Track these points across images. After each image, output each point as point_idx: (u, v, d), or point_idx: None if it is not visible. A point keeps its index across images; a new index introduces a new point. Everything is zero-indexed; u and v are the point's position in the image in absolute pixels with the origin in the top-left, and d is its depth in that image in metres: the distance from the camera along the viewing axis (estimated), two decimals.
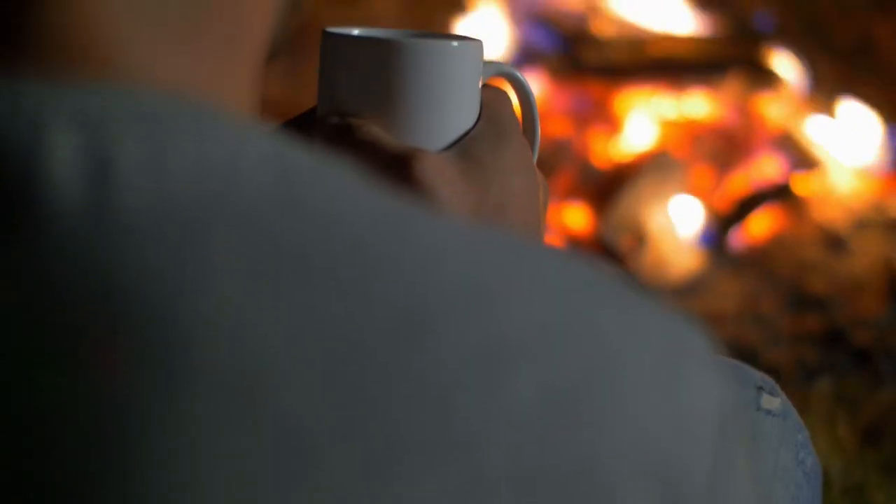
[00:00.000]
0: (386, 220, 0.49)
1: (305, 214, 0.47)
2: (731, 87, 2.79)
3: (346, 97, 0.82)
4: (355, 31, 0.87)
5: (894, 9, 3.43)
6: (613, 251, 2.42)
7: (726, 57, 2.83)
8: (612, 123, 2.70)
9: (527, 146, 0.83)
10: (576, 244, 2.46)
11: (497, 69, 0.87)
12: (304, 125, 0.86)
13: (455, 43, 0.83)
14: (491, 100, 0.84)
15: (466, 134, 0.82)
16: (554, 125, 2.70)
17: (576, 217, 2.49)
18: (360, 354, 0.47)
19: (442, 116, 0.82)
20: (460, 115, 0.83)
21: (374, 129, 0.80)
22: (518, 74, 0.89)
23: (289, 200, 0.47)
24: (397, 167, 0.78)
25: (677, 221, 2.49)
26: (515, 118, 0.84)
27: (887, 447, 2.01)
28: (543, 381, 0.48)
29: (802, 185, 2.62)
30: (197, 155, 0.47)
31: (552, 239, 2.45)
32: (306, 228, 0.47)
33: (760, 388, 1.02)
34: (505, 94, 0.85)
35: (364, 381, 0.46)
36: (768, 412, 1.01)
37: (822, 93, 2.86)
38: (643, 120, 2.70)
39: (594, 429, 0.49)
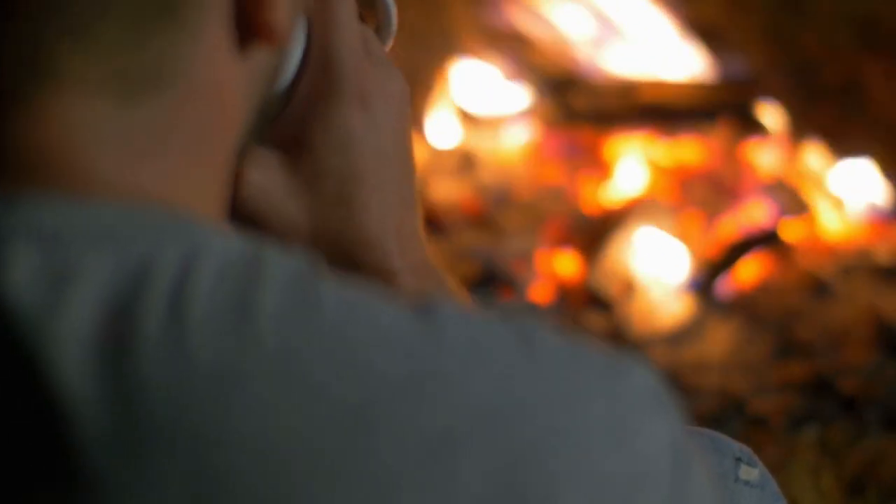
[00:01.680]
0: (332, 318, 0.50)
1: (251, 315, 0.48)
2: (721, 132, 2.81)
3: None
4: None
5: (882, 48, 3.44)
6: (602, 299, 2.43)
7: (716, 103, 2.85)
8: (602, 169, 2.72)
9: (364, 76, 0.70)
10: (566, 291, 2.47)
11: None
12: None
13: None
14: (317, 23, 0.70)
15: (297, 77, 0.70)
16: (545, 171, 2.72)
17: (566, 264, 2.51)
18: (307, 455, 0.47)
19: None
20: (288, 63, 0.68)
21: None
22: None
23: (235, 310, 0.48)
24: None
25: (666, 269, 2.50)
26: (349, 38, 0.70)
27: (871, 498, 2.02)
28: (490, 462, 0.49)
29: (790, 230, 2.64)
30: (150, 263, 0.48)
31: (544, 286, 2.46)
32: (251, 331, 0.48)
33: (738, 460, 1.04)
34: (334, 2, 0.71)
35: (311, 484, 0.47)
36: (746, 483, 1.02)
37: (811, 137, 2.88)
38: (633, 166, 2.72)
39: (552, 490, 0.50)
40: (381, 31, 0.75)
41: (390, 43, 0.75)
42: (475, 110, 2.83)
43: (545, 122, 2.79)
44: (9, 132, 0.51)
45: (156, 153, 0.53)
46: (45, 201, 0.50)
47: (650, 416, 0.53)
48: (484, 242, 2.49)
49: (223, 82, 0.56)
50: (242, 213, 0.69)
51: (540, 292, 2.45)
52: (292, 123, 0.70)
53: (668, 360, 2.33)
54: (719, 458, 1.03)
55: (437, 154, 2.72)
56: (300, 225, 0.70)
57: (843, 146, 2.87)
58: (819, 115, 2.99)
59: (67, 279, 0.48)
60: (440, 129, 2.79)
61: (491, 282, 2.42)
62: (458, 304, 0.54)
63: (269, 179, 0.69)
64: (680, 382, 2.26)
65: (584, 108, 2.80)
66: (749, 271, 2.55)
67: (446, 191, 2.61)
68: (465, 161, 2.71)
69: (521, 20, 3.11)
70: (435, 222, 2.51)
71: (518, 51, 3.02)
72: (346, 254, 0.70)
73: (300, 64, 0.69)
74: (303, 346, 0.48)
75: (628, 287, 2.46)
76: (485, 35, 3.13)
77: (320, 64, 0.70)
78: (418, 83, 2.95)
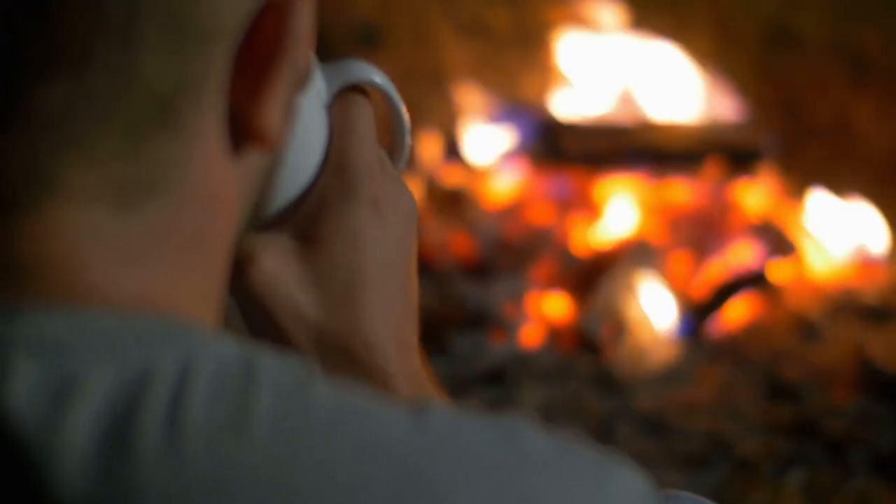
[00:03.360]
0: (326, 424, 0.51)
1: (245, 425, 0.50)
2: (710, 174, 2.82)
3: None
4: None
5: (873, 85, 3.46)
6: (592, 341, 2.45)
7: (705, 144, 2.87)
8: (592, 211, 2.74)
9: (380, 186, 0.73)
10: (556, 333, 2.49)
11: (346, 79, 0.74)
12: None
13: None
14: (338, 129, 0.73)
15: (316, 178, 0.73)
16: (535, 212, 2.74)
17: (556, 306, 2.52)
18: None
19: (285, 175, 0.71)
20: (305, 163, 0.72)
21: None
22: (373, 77, 0.75)
23: (231, 417, 0.50)
24: (231, 274, 0.69)
25: (655, 310, 2.52)
26: (366, 147, 0.73)
27: None
28: None
29: (778, 272, 2.66)
30: (148, 374, 0.50)
31: (534, 328, 2.48)
32: (245, 440, 0.49)
33: None
34: (357, 111, 0.74)
35: None
36: None
37: (801, 176, 2.89)
38: (623, 207, 2.74)
39: None
40: (393, 155, 0.78)
41: (402, 168, 0.78)
42: (469, 151, 2.85)
43: (535, 163, 2.81)
44: (6, 242, 0.52)
45: (152, 259, 0.55)
46: (45, 313, 0.51)
47: None
48: (474, 284, 2.51)
49: (218, 186, 0.57)
50: (250, 296, 0.71)
51: (530, 334, 2.47)
52: (307, 218, 0.72)
53: (656, 402, 2.34)
54: None
55: (429, 195, 2.74)
56: (307, 317, 0.71)
57: (832, 184, 2.89)
58: (809, 152, 3.00)
59: (68, 392, 0.49)
60: (431, 170, 2.81)
61: (481, 324, 2.44)
62: (449, 407, 0.56)
63: (281, 268, 0.71)
64: (668, 424, 2.28)
65: (575, 150, 2.82)
66: (737, 313, 2.57)
67: (437, 232, 2.63)
68: (456, 202, 2.73)
69: (515, 61, 3.13)
70: (426, 264, 2.53)
71: (510, 92, 3.04)
72: (347, 351, 0.72)
73: (320, 164, 0.72)
74: (296, 456, 0.50)
75: (618, 329, 2.48)
76: (477, 75, 3.15)
77: (337, 165, 0.72)
78: (412, 122, 2.97)
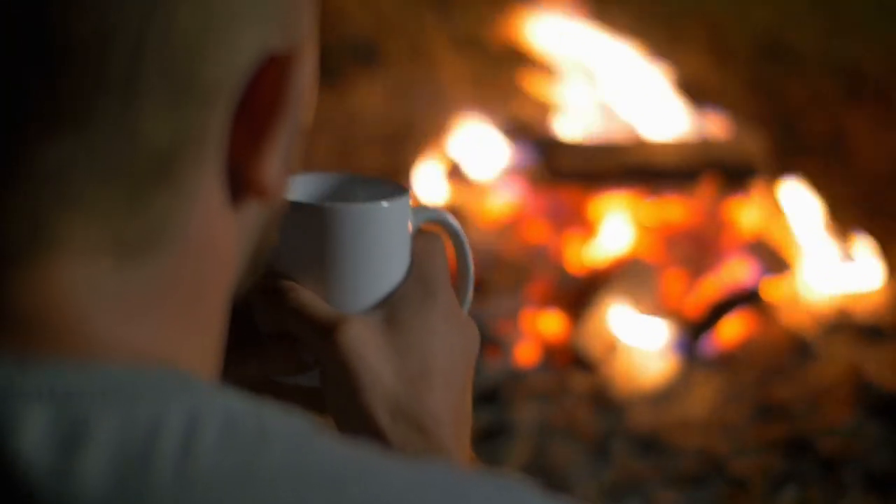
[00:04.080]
0: (332, 477, 0.52)
1: (253, 480, 0.51)
2: (704, 191, 2.84)
3: (280, 257, 0.82)
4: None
5: (866, 98, 3.47)
6: (587, 359, 2.46)
7: (699, 162, 2.88)
8: (587, 228, 2.75)
9: (453, 303, 0.82)
10: (550, 351, 2.50)
11: (428, 215, 0.87)
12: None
13: (385, 203, 0.83)
14: (421, 251, 0.83)
15: (398, 288, 0.82)
16: (530, 230, 2.75)
17: (551, 323, 2.53)
18: None
19: (372, 275, 0.82)
20: (390, 271, 0.83)
21: (304, 295, 0.80)
22: (450, 220, 0.88)
23: (240, 467, 0.51)
24: (323, 336, 0.78)
25: (649, 329, 2.53)
26: (444, 271, 0.83)
27: None
28: None
29: (772, 289, 2.67)
30: (157, 424, 0.51)
31: (529, 346, 2.49)
32: (254, 488, 0.51)
33: None
34: (437, 242, 0.84)
35: None
36: None
37: (795, 192, 2.91)
38: (618, 225, 2.75)
39: None
40: (458, 293, 0.88)
41: (467, 308, 0.89)
42: (466, 168, 2.86)
43: (531, 181, 2.82)
44: (10, 294, 0.53)
45: (153, 311, 0.56)
46: (53, 364, 0.52)
47: None
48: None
49: (217, 238, 0.58)
50: (336, 355, 0.77)
51: (525, 352, 2.48)
52: (391, 307, 0.81)
53: (651, 420, 2.35)
54: None
55: None
56: (386, 384, 0.78)
57: (827, 199, 2.90)
58: (804, 168, 3.01)
59: (78, 441, 0.50)
60: (427, 188, 2.83)
61: None
62: (453, 466, 0.57)
63: (368, 335, 0.79)
64: (661, 443, 2.29)
65: (570, 168, 2.83)
66: (731, 331, 2.58)
67: None
68: None
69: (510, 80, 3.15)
70: None
71: (505, 109, 3.05)
72: (416, 420, 0.77)
73: (404, 276, 0.83)
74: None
75: (612, 347, 2.49)
76: (473, 91, 3.16)
77: (420, 276, 0.82)
78: (409, 139, 2.99)
